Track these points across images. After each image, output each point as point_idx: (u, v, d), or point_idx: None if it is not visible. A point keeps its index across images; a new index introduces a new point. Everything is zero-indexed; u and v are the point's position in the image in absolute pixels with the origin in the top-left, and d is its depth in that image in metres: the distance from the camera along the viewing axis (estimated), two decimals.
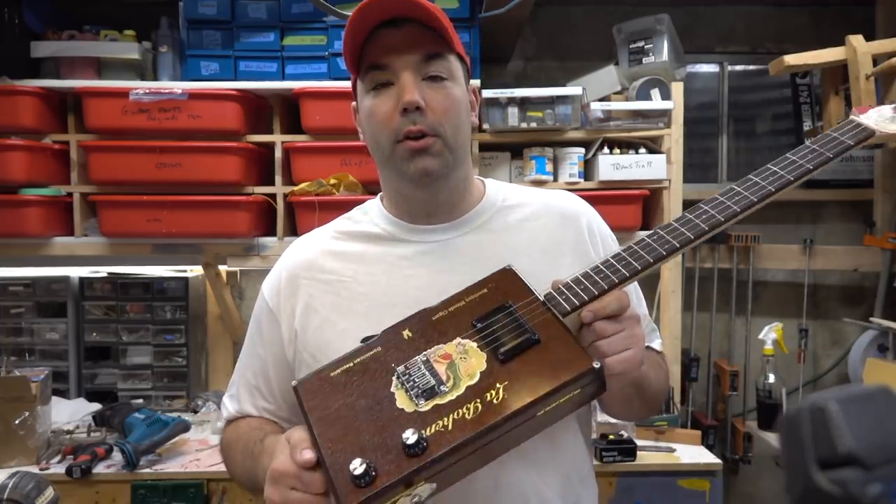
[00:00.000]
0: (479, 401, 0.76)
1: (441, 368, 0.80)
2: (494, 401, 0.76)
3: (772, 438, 2.59)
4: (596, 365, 0.77)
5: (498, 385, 0.77)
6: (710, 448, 2.41)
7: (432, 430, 0.74)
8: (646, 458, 2.10)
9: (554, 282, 0.87)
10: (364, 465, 0.71)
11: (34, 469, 1.98)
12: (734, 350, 2.92)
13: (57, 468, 2.01)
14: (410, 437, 0.72)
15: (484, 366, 0.80)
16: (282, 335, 1.00)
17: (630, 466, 2.07)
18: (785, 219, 2.94)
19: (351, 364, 0.84)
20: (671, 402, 2.37)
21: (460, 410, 0.75)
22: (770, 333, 2.61)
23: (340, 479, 0.72)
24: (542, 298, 0.85)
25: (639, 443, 2.12)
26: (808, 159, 0.87)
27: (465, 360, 0.81)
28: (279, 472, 0.78)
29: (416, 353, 0.83)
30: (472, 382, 0.78)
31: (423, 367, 0.81)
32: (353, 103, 1.02)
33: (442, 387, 0.78)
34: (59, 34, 2.36)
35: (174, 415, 2.25)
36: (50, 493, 1.18)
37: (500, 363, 0.79)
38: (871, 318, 2.70)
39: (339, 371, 0.84)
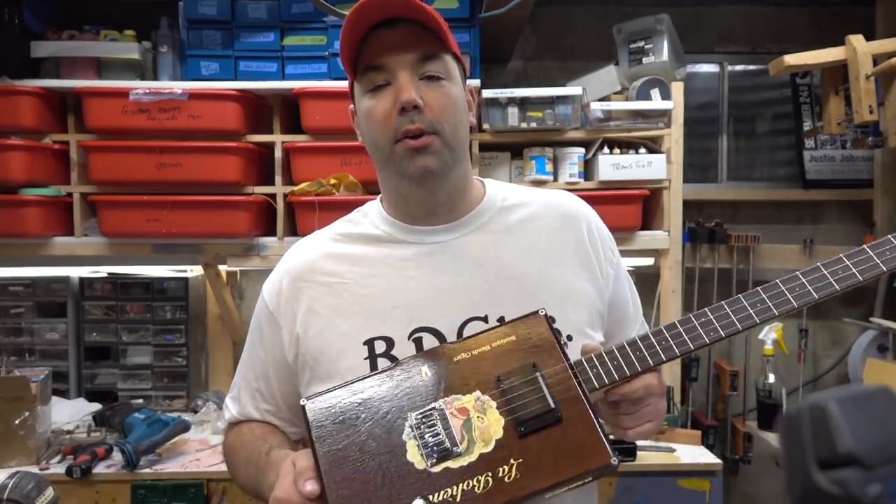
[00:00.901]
0: (490, 475, 0.74)
1: (457, 425, 0.78)
2: (506, 479, 0.74)
3: (772, 438, 2.59)
4: (614, 462, 0.75)
5: (512, 461, 0.75)
6: (710, 448, 2.41)
7: (440, 499, 0.72)
8: (646, 458, 2.10)
9: (584, 347, 0.87)
10: None
11: (34, 469, 1.98)
12: (734, 350, 2.92)
13: (57, 468, 2.01)
14: None
15: (500, 433, 0.77)
16: (282, 338, 1.00)
17: (630, 466, 2.07)
18: (785, 219, 2.94)
19: (363, 395, 0.82)
20: (671, 402, 2.37)
21: (470, 482, 0.74)
22: (770, 333, 2.61)
23: None
24: (571, 367, 0.83)
25: (639, 443, 2.12)
26: (862, 269, 0.85)
27: (482, 420, 0.78)
28: (281, 502, 0.78)
29: (433, 401, 0.80)
30: (486, 451, 0.76)
31: (438, 420, 0.79)
32: (351, 106, 1.02)
33: (455, 448, 0.76)
34: (59, 34, 2.36)
35: (174, 415, 2.25)
36: (50, 493, 1.18)
37: (517, 436, 0.77)
38: (871, 318, 2.70)
39: (349, 399, 0.81)
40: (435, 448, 0.76)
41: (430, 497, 0.72)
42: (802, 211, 2.95)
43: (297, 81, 2.31)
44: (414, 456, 0.76)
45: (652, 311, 2.60)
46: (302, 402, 0.82)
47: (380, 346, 0.93)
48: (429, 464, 0.75)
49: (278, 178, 2.32)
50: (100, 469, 2.01)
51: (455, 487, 0.73)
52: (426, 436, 0.77)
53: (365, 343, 0.93)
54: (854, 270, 0.84)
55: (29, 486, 1.15)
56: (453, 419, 0.78)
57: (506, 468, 0.74)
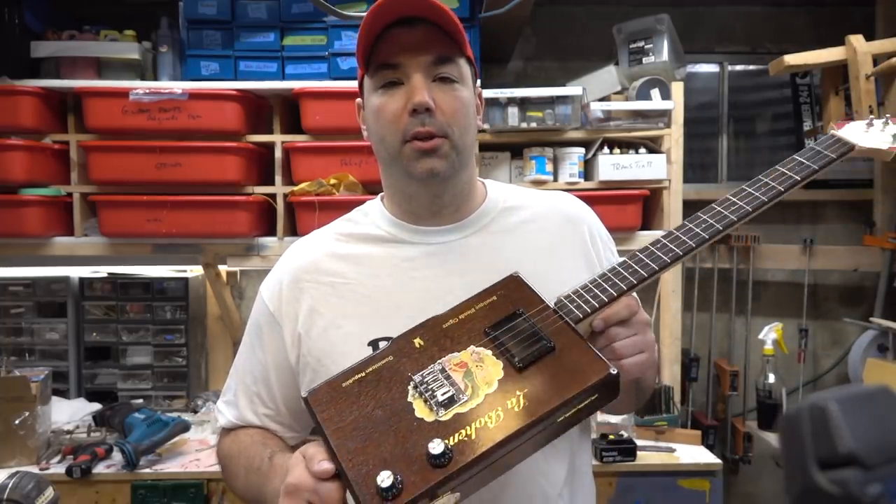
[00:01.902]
0: (500, 408, 0.76)
1: (458, 377, 0.80)
2: (516, 408, 0.76)
3: (772, 438, 2.59)
4: (613, 371, 0.77)
5: (518, 392, 0.77)
6: (710, 448, 2.41)
7: (456, 440, 0.73)
8: (646, 458, 2.10)
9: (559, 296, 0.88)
10: (391, 478, 0.70)
11: (34, 469, 1.98)
12: (734, 350, 2.92)
13: (57, 468, 2.01)
14: (436, 447, 0.71)
15: (501, 374, 0.80)
16: (284, 340, 0.99)
17: (630, 466, 2.07)
18: (785, 219, 2.94)
19: (363, 374, 0.83)
20: (671, 402, 2.37)
21: (482, 419, 0.75)
22: (770, 333, 2.61)
23: (365, 491, 0.71)
24: (552, 306, 0.86)
25: (639, 443, 2.12)
26: (796, 171, 0.91)
27: (482, 368, 0.81)
28: (294, 486, 0.76)
29: (431, 362, 0.82)
30: (491, 390, 0.78)
31: (439, 375, 0.80)
32: (359, 100, 1.01)
33: (461, 395, 0.78)
34: (59, 34, 2.36)
35: (174, 415, 2.25)
36: (50, 493, 1.18)
37: (517, 371, 0.79)
38: (871, 318, 2.70)
39: (350, 381, 0.82)
40: (441, 399, 0.78)
41: (447, 440, 0.73)
42: (802, 211, 2.95)
43: (297, 81, 2.31)
44: (422, 412, 0.77)
45: (652, 311, 2.60)
46: (304, 395, 0.83)
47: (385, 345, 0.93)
48: (439, 414, 0.76)
49: (278, 178, 2.32)
50: (100, 469, 2.01)
51: (469, 427, 0.75)
52: (431, 391, 0.79)
53: (369, 344, 0.93)
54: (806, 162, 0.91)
55: (29, 486, 1.15)
56: (454, 372, 0.81)
57: (513, 400, 0.77)
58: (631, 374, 0.83)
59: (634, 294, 0.99)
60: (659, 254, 0.87)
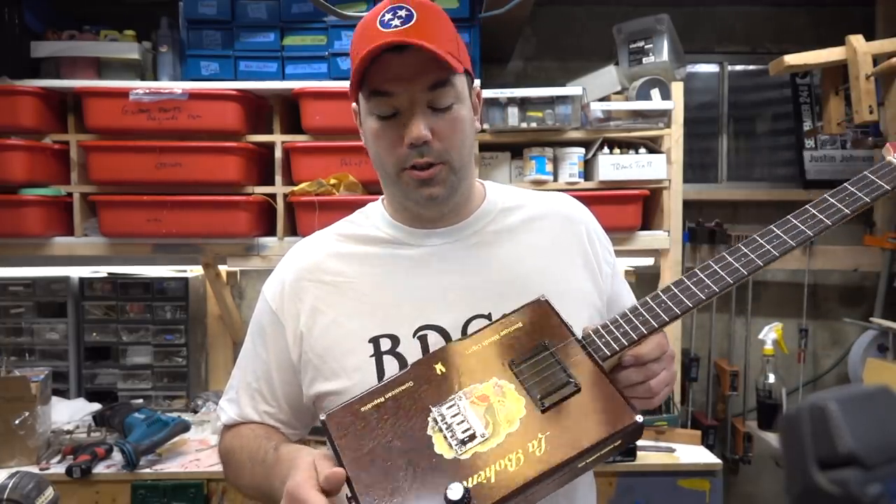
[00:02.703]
0: (521, 451, 0.74)
1: (479, 412, 0.78)
2: (537, 452, 0.74)
3: (772, 438, 2.59)
4: (639, 419, 0.76)
5: (540, 435, 0.75)
6: (710, 448, 2.41)
7: (474, 482, 0.72)
8: (646, 458, 2.10)
9: (584, 328, 0.88)
10: None
11: (34, 469, 1.98)
12: (734, 350, 2.92)
13: (57, 468, 2.01)
14: (455, 491, 0.70)
15: (523, 412, 0.78)
16: (286, 338, 1.00)
17: (630, 466, 2.07)
18: None
19: (382, 399, 0.81)
20: (671, 402, 2.37)
21: (502, 461, 0.73)
22: (770, 333, 2.61)
23: None
24: (580, 339, 0.84)
25: (639, 443, 2.12)
26: (846, 203, 0.88)
27: (503, 404, 0.79)
28: (291, 495, 0.75)
29: (452, 393, 0.80)
30: (513, 430, 0.76)
31: (459, 409, 0.79)
32: (354, 105, 1.01)
33: (482, 432, 0.76)
34: (59, 34, 2.36)
35: (174, 415, 2.25)
36: (50, 493, 1.18)
37: (540, 411, 0.77)
38: (871, 318, 2.70)
39: (369, 406, 0.81)
40: (461, 437, 0.76)
41: (465, 482, 0.71)
42: None
43: (297, 81, 2.31)
44: (442, 447, 0.76)
45: None
46: (322, 418, 0.81)
47: (385, 344, 0.94)
48: (458, 452, 0.75)
49: (278, 178, 2.32)
50: (100, 469, 2.01)
51: (488, 469, 0.73)
52: (451, 426, 0.77)
53: (370, 341, 0.94)
54: (839, 205, 0.89)
55: (29, 486, 1.15)
56: (475, 407, 0.79)
57: (535, 442, 0.75)
58: (655, 405, 0.86)
59: (626, 285, 1.00)
60: (695, 289, 0.86)
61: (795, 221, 0.88)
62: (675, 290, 0.87)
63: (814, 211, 0.88)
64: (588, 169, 2.42)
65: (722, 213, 2.88)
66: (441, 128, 0.92)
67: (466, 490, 0.70)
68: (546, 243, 1.01)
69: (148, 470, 2.02)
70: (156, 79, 2.38)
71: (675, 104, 2.36)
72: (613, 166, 2.32)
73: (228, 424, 1.06)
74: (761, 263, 0.85)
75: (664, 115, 2.36)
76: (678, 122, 2.37)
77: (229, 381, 1.08)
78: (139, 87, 2.24)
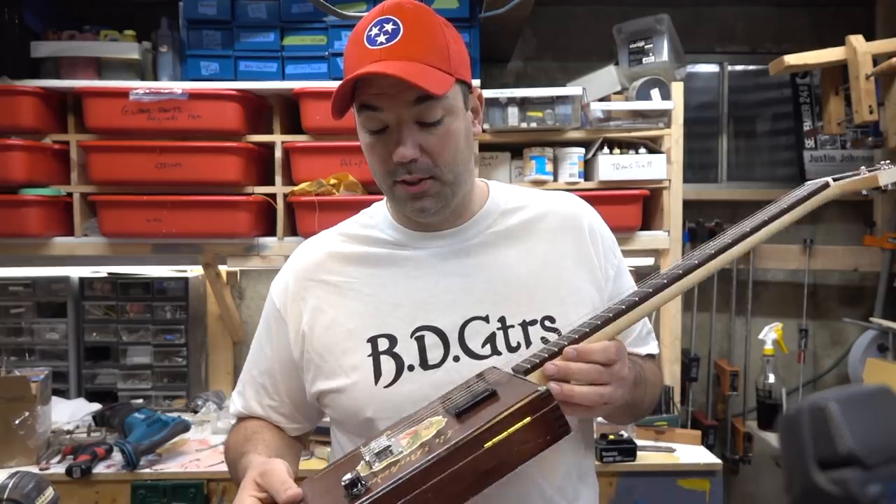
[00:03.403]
0: (428, 448, 0.74)
1: (404, 441, 0.79)
2: (440, 441, 0.74)
3: (772, 438, 2.59)
4: (542, 388, 0.74)
5: (448, 432, 0.75)
6: (710, 448, 2.41)
7: (371, 471, 0.74)
8: (646, 458, 2.10)
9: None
10: None
11: (34, 469, 1.98)
12: (734, 350, 2.92)
13: (57, 468, 2.01)
14: (346, 477, 0.72)
15: (442, 424, 0.78)
16: (289, 336, 1.02)
17: (630, 466, 2.07)
18: None
19: (332, 466, 0.86)
20: (671, 402, 2.37)
21: (409, 458, 0.74)
22: (770, 333, 2.61)
23: None
24: (508, 371, 0.85)
25: (639, 443, 2.12)
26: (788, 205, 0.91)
27: (429, 429, 0.79)
28: None
29: (385, 437, 0.82)
30: (426, 439, 0.76)
31: (385, 441, 0.80)
32: (353, 108, 1.01)
33: (399, 448, 0.77)
34: (59, 34, 2.36)
35: (174, 415, 2.25)
36: (50, 493, 1.18)
37: (456, 419, 0.78)
38: (871, 318, 2.70)
39: (322, 473, 0.85)
40: (378, 453, 0.78)
41: (361, 473, 0.73)
42: None
43: (297, 81, 2.31)
44: (363, 469, 0.77)
45: (652, 312, 2.60)
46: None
47: (383, 344, 0.95)
48: (373, 467, 0.76)
49: (278, 178, 2.32)
50: (100, 469, 2.01)
51: (394, 467, 0.74)
52: (373, 451, 0.79)
53: (368, 340, 0.96)
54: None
55: (29, 486, 1.15)
56: (402, 439, 0.80)
57: (442, 438, 0.75)
58: (588, 403, 0.79)
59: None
60: (619, 302, 0.87)
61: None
62: (610, 305, 0.88)
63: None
64: (588, 169, 2.42)
65: (722, 213, 2.88)
66: (430, 144, 0.91)
67: (357, 475, 0.72)
68: (546, 245, 1.01)
69: (148, 470, 2.02)
70: (156, 79, 2.37)
71: (675, 104, 2.36)
72: (613, 166, 2.32)
73: (237, 416, 1.11)
74: (696, 263, 0.87)
75: (664, 115, 2.36)
76: (678, 122, 2.37)
77: (241, 374, 1.13)
78: (139, 87, 2.24)
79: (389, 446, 0.78)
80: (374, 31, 0.89)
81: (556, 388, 0.77)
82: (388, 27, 0.88)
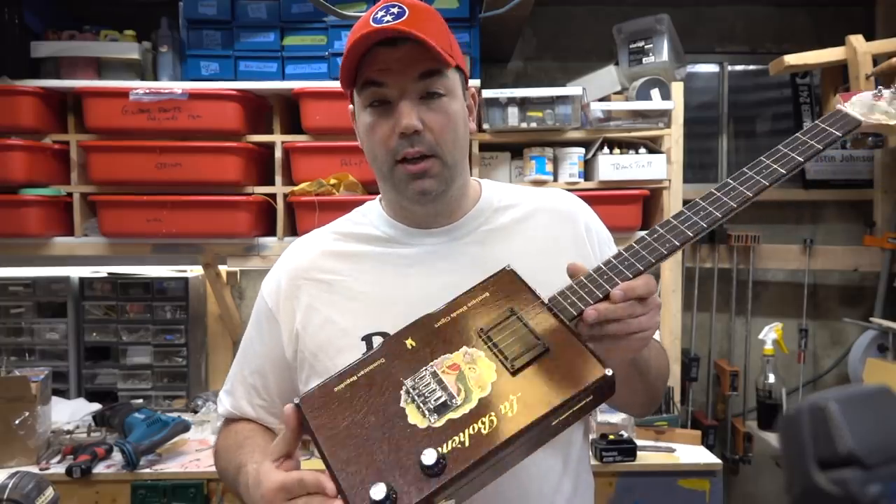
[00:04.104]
0: (493, 414, 0.75)
1: (450, 380, 0.79)
2: (509, 413, 0.74)
3: (772, 438, 2.59)
4: (609, 372, 0.76)
5: (511, 397, 0.76)
6: (710, 448, 2.41)
7: (449, 448, 0.73)
8: (646, 458, 2.10)
9: (569, 267, 0.88)
10: (385, 490, 0.69)
11: (34, 469, 1.98)
12: (734, 350, 2.92)
13: (57, 468, 2.01)
14: (429, 456, 0.71)
15: (494, 376, 0.78)
16: (281, 336, 1.01)
17: (630, 466, 2.07)
18: (785, 219, 2.94)
19: (355, 377, 0.82)
20: (671, 402, 2.37)
21: (475, 425, 0.74)
22: (770, 333, 2.61)
23: (358, 503, 0.71)
24: (546, 303, 0.84)
25: (639, 443, 2.12)
26: (798, 151, 0.87)
27: (474, 370, 0.79)
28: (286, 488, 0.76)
29: (423, 365, 0.81)
30: (484, 395, 0.77)
31: (431, 379, 0.79)
32: (351, 107, 1.02)
33: (454, 400, 0.77)
34: (59, 34, 2.36)
35: (174, 415, 2.25)
36: (50, 493, 1.18)
37: (510, 374, 0.78)
38: (871, 318, 2.70)
39: (342, 385, 0.81)
40: (433, 405, 0.77)
41: (440, 448, 0.72)
42: (802, 211, 2.95)
43: (297, 81, 2.31)
44: (415, 418, 0.76)
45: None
46: (295, 401, 0.82)
47: (377, 342, 0.94)
48: (431, 421, 0.75)
49: (278, 178, 2.32)
50: (100, 469, 2.01)
51: (462, 434, 0.74)
52: (424, 396, 0.78)
53: (363, 339, 0.95)
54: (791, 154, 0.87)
55: (29, 486, 1.15)
56: (446, 376, 0.79)
57: (507, 404, 0.75)
58: (629, 351, 0.83)
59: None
60: (655, 244, 0.85)
61: (751, 172, 0.88)
62: (649, 239, 0.86)
63: (768, 161, 0.87)
64: (588, 169, 2.42)
65: None
66: (432, 120, 0.92)
67: (441, 455, 0.71)
68: (539, 241, 1.01)
69: (148, 470, 2.02)
70: (156, 79, 2.37)
71: (675, 104, 2.36)
72: (613, 166, 2.32)
73: (226, 417, 1.10)
74: (734, 205, 0.85)
75: (664, 115, 2.36)
76: (678, 122, 2.37)
77: (229, 373, 1.11)
78: (139, 87, 2.24)
79: (443, 398, 0.77)
80: (380, 13, 0.90)
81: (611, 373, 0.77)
82: (394, 10, 0.90)
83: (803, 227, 2.93)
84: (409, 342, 0.84)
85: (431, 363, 0.81)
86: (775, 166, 0.87)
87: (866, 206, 2.86)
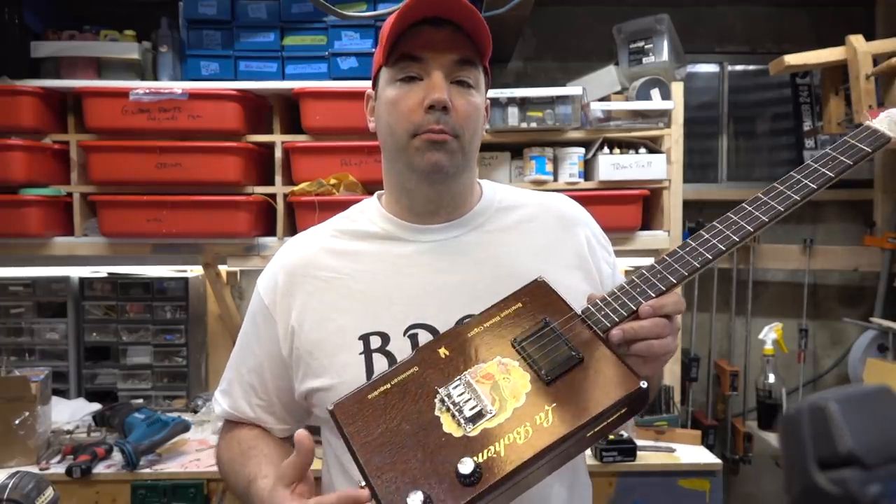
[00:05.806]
0: (528, 424, 0.75)
1: (485, 390, 0.79)
2: (545, 423, 0.75)
3: (772, 438, 2.59)
4: (644, 385, 0.76)
5: (546, 407, 0.76)
6: (710, 448, 2.41)
7: (485, 457, 0.73)
8: (646, 458, 2.10)
9: (590, 296, 0.88)
10: (422, 497, 0.69)
11: (34, 469, 1.98)
12: (734, 350, 2.92)
13: (57, 468, 2.01)
14: (466, 466, 0.71)
15: (529, 386, 0.78)
16: (277, 333, 1.00)
17: (630, 466, 2.06)
18: (785, 219, 2.92)
19: (388, 385, 0.82)
20: (671, 401, 2.37)
21: (511, 435, 0.74)
22: (770, 333, 2.61)
23: None
24: (580, 314, 0.85)
25: (639, 443, 2.12)
26: (829, 167, 0.89)
27: (508, 380, 0.79)
28: None
29: (457, 374, 0.81)
30: (519, 404, 0.77)
31: (465, 388, 0.79)
32: (369, 91, 1.02)
33: (489, 410, 0.77)
34: (59, 34, 2.36)
35: (174, 415, 2.25)
36: (50, 493, 1.18)
37: (545, 384, 0.78)
38: (871, 318, 2.70)
39: (376, 393, 0.82)
40: (469, 414, 0.77)
41: (476, 458, 0.72)
42: (802, 211, 2.93)
43: (297, 81, 2.31)
44: (450, 426, 0.76)
45: None
46: (328, 408, 0.82)
47: (375, 342, 0.94)
48: (467, 430, 0.75)
49: (278, 178, 2.32)
50: (100, 469, 2.01)
51: (498, 444, 0.74)
52: (458, 405, 0.78)
53: (360, 338, 0.94)
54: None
55: (29, 486, 1.15)
56: (480, 385, 0.79)
57: (542, 415, 0.76)
58: (650, 370, 0.83)
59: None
60: (688, 258, 0.86)
61: (782, 188, 0.89)
62: (682, 252, 0.87)
63: (798, 177, 0.89)
64: (588, 169, 2.42)
65: (722, 212, 2.84)
66: (459, 104, 0.93)
67: (477, 465, 0.71)
68: (541, 244, 1.01)
69: (148, 470, 2.02)
70: (156, 79, 2.37)
71: (675, 104, 2.36)
72: (613, 166, 2.32)
73: (224, 419, 1.08)
74: (766, 219, 0.86)
75: (664, 115, 2.36)
76: (678, 122, 2.37)
77: (225, 372, 1.10)
78: (139, 87, 2.24)
79: (478, 407, 0.77)
80: None
81: (646, 385, 0.78)
82: None
83: (803, 227, 2.93)
84: (443, 351, 0.84)
85: (465, 372, 0.81)
86: (806, 181, 0.89)
87: (866, 205, 2.86)
